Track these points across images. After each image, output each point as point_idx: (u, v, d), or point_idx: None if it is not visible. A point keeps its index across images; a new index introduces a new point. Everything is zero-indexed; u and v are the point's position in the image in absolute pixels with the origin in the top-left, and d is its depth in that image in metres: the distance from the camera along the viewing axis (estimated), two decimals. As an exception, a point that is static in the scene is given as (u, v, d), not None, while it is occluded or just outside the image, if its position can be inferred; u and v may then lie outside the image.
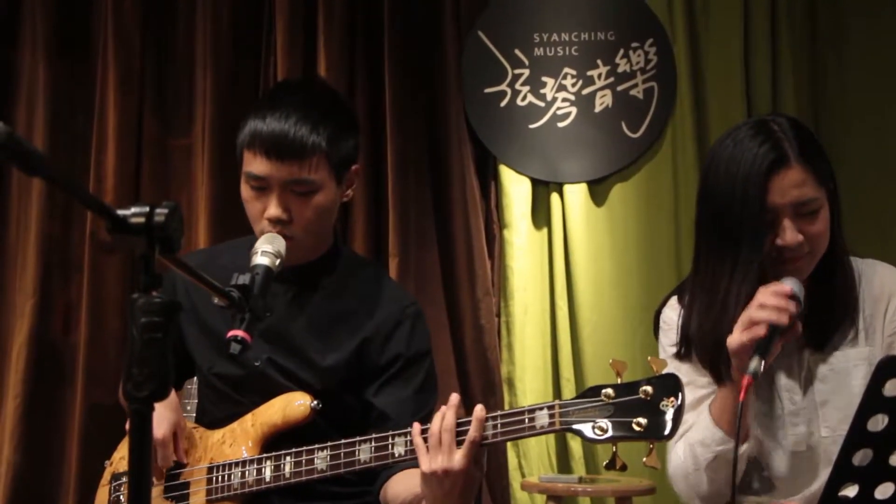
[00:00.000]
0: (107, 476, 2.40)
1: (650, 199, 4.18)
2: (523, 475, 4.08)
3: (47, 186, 4.19)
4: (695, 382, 2.19)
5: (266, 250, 1.97)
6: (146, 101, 4.30)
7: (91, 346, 4.14)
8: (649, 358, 1.83)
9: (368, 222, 4.18)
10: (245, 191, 2.21)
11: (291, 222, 2.18)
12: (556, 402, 1.87)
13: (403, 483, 2.15)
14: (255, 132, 2.18)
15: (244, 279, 1.82)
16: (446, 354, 4.15)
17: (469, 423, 1.92)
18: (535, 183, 4.21)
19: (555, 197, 4.19)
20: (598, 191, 4.22)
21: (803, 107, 4.17)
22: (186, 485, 2.24)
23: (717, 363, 2.07)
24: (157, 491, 2.27)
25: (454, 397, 1.96)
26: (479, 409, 1.92)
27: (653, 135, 4.19)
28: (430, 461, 1.93)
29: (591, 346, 4.10)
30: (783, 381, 2.15)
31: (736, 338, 1.96)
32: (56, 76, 4.29)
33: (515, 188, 4.19)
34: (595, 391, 1.85)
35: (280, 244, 2.00)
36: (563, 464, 4.12)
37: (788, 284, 1.98)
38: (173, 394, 2.29)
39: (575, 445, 4.08)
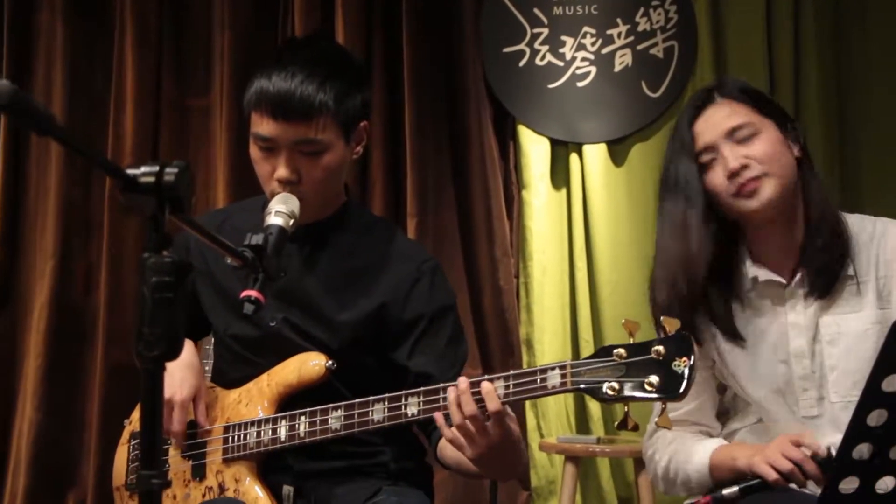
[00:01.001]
0: (126, 435, 2.41)
1: (670, 159, 4.14)
2: (542, 436, 4.09)
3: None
4: None
5: (280, 210, 1.96)
6: (164, 61, 4.31)
7: (111, 306, 4.16)
8: (662, 318, 1.82)
9: (387, 184, 4.17)
10: (254, 151, 2.19)
11: (301, 182, 2.17)
12: (568, 361, 1.87)
13: None
14: (262, 92, 2.15)
15: (257, 239, 1.81)
16: (465, 316, 4.14)
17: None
18: (554, 143, 4.19)
19: (574, 157, 4.16)
20: (618, 151, 4.19)
21: (826, 64, 4.13)
22: (204, 444, 2.25)
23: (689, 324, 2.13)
24: (174, 449, 2.28)
25: (462, 382, 1.94)
26: (486, 384, 1.92)
27: (673, 94, 4.16)
28: (471, 448, 1.94)
29: (609, 307, 4.09)
30: (794, 344, 2.14)
31: (767, 471, 1.98)
32: (74, 35, 4.30)
33: (534, 148, 4.17)
34: (607, 351, 1.84)
35: (294, 204, 2.00)
36: (582, 424, 4.13)
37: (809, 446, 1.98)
38: (197, 358, 2.30)
39: (594, 406, 4.08)
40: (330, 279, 2.25)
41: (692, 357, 1.77)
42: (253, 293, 1.81)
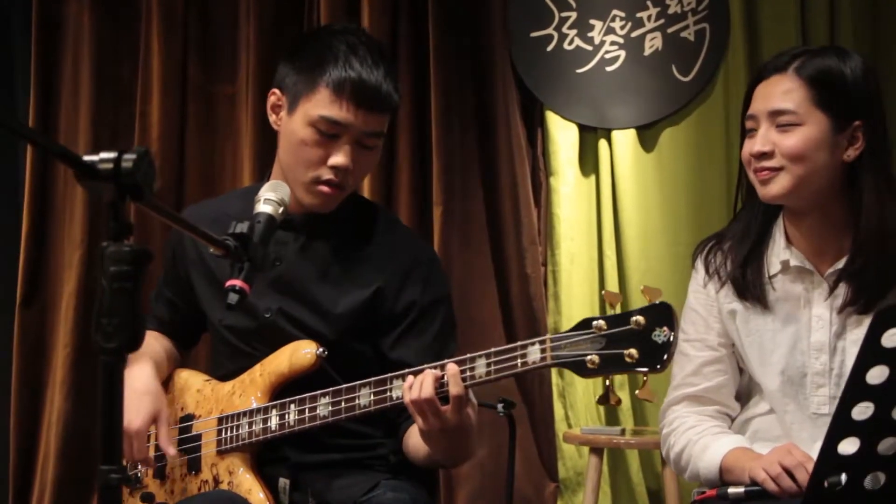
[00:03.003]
0: (124, 428, 2.39)
1: (701, 144, 4.05)
2: (569, 426, 4.03)
3: (93, 137, 4.21)
4: (704, 341, 2.15)
5: (269, 198, 1.91)
6: (190, 50, 4.28)
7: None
8: (642, 287, 1.77)
9: (413, 171, 4.12)
10: (308, 133, 2.13)
11: (350, 173, 2.15)
12: (548, 336, 1.83)
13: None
14: (345, 77, 2.11)
15: (242, 227, 1.78)
16: (492, 304, 4.11)
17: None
18: (583, 129, 4.11)
19: (603, 143, 4.08)
20: (648, 136, 4.10)
21: (864, 43, 4.01)
22: (198, 437, 2.22)
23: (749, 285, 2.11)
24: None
25: (451, 368, 1.94)
26: (451, 366, 1.92)
27: (704, 78, 4.06)
28: (424, 423, 1.95)
29: (638, 295, 3.98)
30: (814, 337, 2.07)
31: (760, 475, 1.95)
32: (101, 25, 4.28)
33: (562, 134, 4.09)
34: (586, 323, 1.80)
35: (284, 191, 1.95)
36: (611, 415, 4.06)
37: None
38: (156, 382, 2.23)
39: (623, 396, 4.01)
40: (326, 268, 2.21)
41: (673, 325, 1.71)
42: (237, 283, 1.77)
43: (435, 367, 1.94)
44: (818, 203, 2.06)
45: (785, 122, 2.03)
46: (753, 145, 2.05)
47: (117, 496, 1.35)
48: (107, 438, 1.36)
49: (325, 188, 2.14)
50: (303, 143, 2.14)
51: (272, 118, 2.23)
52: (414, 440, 2.15)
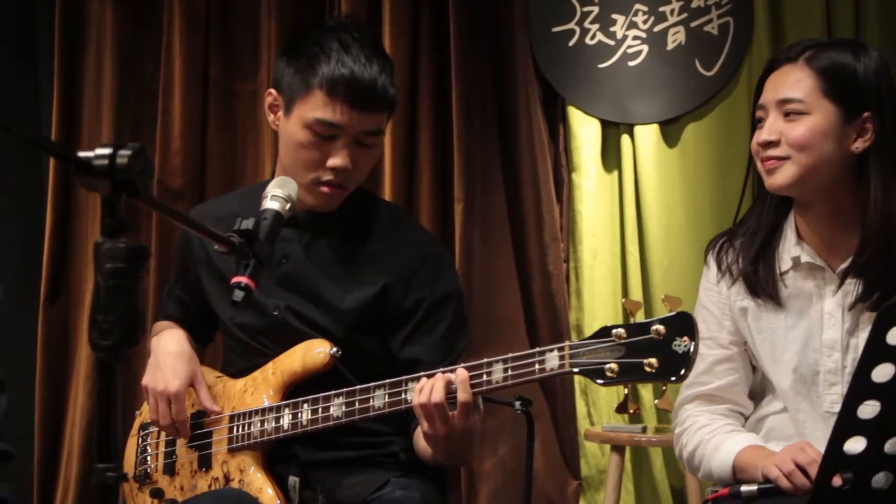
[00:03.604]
0: (136, 426, 2.39)
1: (725, 139, 4.00)
2: (592, 424, 4.00)
3: (115, 132, 4.22)
4: (716, 339, 2.12)
5: (276, 194, 1.90)
6: (212, 48, 4.28)
7: (160, 290, 4.15)
8: (663, 296, 1.75)
9: (434, 167, 4.10)
10: (304, 135, 2.11)
11: (351, 171, 2.13)
12: (567, 343, 1.80)
13: None
14: (338, 77, 2.08)
15: (247, 224, 1.77)
16: (514, 301, 4.08)
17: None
18: (605, 124, 4.07)
19: (625, 139, 4.04)
20: (671, 131, 4.06)
21: (890, 39, 3.95)
22: (209, 434, 2.21)
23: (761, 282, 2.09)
24: (181, 440, 2.25)
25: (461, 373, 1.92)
26: (461, 372, 1.90)
27: (728, 72, 4.01)
28: (430, 427, 1.94)
29: (662, 292, 3.96)
30: (827, 334, 2.04)
31: (773, 472, 1.92)
32: (123, 22, 4.28)
33: (584, 130, 4.06)
34: (606, 331, 1.78)
35: (291, 188, 1.93)
36: (634, 413, 4.02)
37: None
38: (187, 344, 2.26)
39: (646, 394, 3.97)
40: (333, 265, 2.20)
41: (694, 336, 1.69)
42: (243, 279, 1.76)
43: (446, 371, 1.93)
44: (826, 195, 2.03)
45: (792, 111, 2.00)
46: (761, 134, 2.02)
47: (114, 494, 1.33)
48: (103, 436, 1.35)
49: (325, 189, 2.13)
50: (300, 145, 2.12)
51: (270, 118, 2.21)
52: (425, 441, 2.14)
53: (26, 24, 4.48)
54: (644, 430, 3.58)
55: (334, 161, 2.10)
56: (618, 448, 3.52)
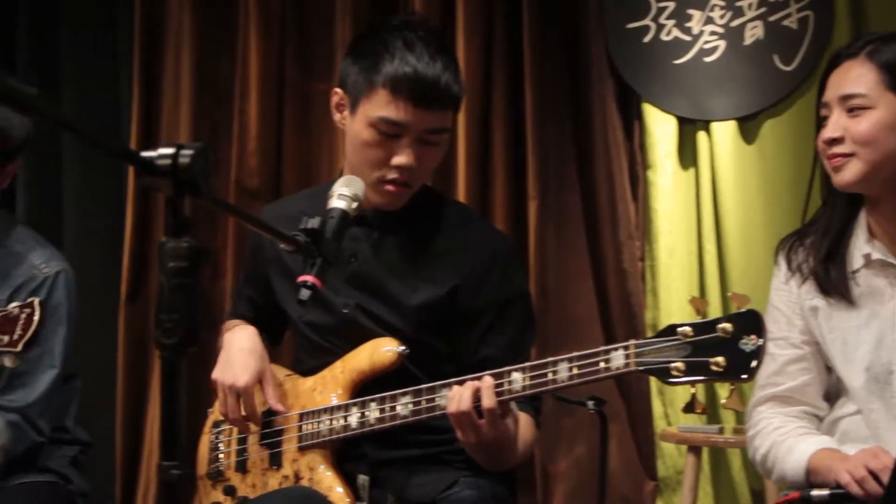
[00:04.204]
0: (208, 423, 2.41)
1: (804, 135, 3.91)
2: (669, 423, 3.95)
3: (193, 133, 4.26)
4: (787, 339, 2.08)
5: (343, 193, 1.91)
6: (287, 49, 4.32)
7: (237, 291, 4.20)
8: (731, 294, 1.72)
9: (507, 165, 4.08)
10: (369, 134, 2.12)
11: (416, 169, 2.13)
12: (632, 341, 1.78)
13: None
14: (401, 76, 2.08)
15: (314, 223, 1.77)
16: (589, 300, 4.05)
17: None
18: (681, 121, 4.02)
19: (702, 135, 3.99)
20: (749, 128, 3.99)
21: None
22: (280, 432, 2.23)
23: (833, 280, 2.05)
24: (253, 438, 2.27)
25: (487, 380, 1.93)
26: (487, 379, 1.91)
27: (807, 67, 3.93)
28: (462, 435, 1.96)
29: (739, 290, 3.90)
30: None
31: (844, 478, 1.89)
32: (201, 25, 4.34)
33: (660, 127, 4.01)
34: (672, 330, 1.75)
35: (358, 186, 1.94)
36: (713, 413, 3.96)
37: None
38: (259, 341, 2.28)
39: (724, 393, 3.91)
40: (401, 263, 2.20)
41: (762, 334, 1.66)
42: (309, 278, 1.77)
43: (479, 377, 1.93)
44: (895, 189, 1.98)
45: (855, 106, 1.96)
46: (825, 131, 1.98)
47: (178, 492, 1.34)
48: (168, 434, 1.35)
49: (391, 187, 2.13)
50: (365, 144, 2.12)
51: (336, 117, 2.22)
52: None
53: (109, 27, 4.56)
54: (721, 430, 3.53)
55: (399, 159, 2.10)
56: (694, 449, 3.47)
